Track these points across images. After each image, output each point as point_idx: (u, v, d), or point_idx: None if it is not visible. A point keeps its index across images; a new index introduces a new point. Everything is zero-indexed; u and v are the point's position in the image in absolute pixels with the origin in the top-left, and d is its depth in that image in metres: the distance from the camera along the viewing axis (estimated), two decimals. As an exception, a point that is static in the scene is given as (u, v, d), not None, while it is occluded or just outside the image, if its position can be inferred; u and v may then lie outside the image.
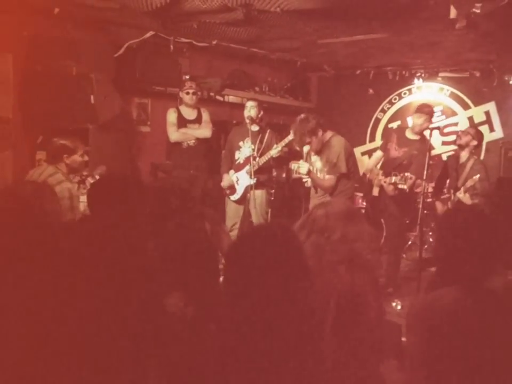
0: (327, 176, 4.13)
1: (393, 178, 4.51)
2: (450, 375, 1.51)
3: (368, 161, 5.01)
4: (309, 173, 4.14)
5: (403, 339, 3.49)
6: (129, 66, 5.19)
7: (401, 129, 5.04)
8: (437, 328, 1.52)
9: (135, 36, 5.00)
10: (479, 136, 5.11)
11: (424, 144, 4.61)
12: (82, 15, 4.49)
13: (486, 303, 1.52)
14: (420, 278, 4.32)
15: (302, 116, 4.16)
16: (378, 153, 5.10)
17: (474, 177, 4.70)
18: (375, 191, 4.89)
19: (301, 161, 4.26)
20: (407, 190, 4.51)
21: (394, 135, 4.93)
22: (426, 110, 4.73)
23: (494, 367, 1.47)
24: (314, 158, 4.29)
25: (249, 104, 5.09)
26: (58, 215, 3.23)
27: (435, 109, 7.29)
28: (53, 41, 4.42)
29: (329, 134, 4.18)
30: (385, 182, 4.68)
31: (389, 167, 4.81)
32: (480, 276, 1.58)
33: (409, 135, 4.82)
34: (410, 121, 4.74)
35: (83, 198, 3.65)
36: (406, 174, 4.43)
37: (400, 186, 4.46)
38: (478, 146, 5.18)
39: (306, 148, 4.38)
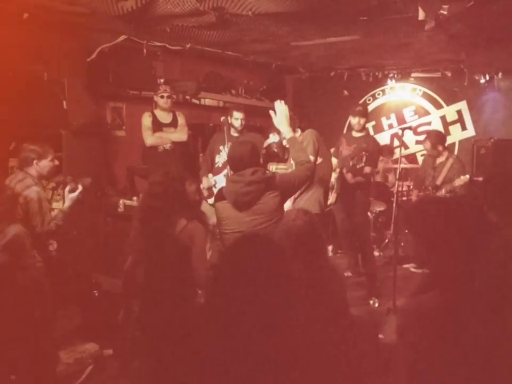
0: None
1: (350, 162, 4.84)
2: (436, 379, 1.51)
3: None
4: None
5: (380, 336, 3.55)
6: (102, 71, 5.15)
7: (348, 132, 5.33)
8: (422, 333, 1.52)
9: (108, 40, 4.96)
10: (439, 137, 5.35)
11: (370, 137, 5.24)
12: (53, 20, 4.43)
13: (471, 306, 1.50)
14: (395, 275, 4.40)
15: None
16: (334, 160, 5.22)
17: (463, 177, 4.94)
18: (337, 188, 5.06)
19: (271, 134, 4.34)
20: (368, 170, 4.82)
21: (344, 139, 5.26)
22: (357, 111, 5.09)
23: (480, 370, 1.47)
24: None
25: (237, 115, 4.98)
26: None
27: (408, 109, 7.47)
28: (23, 46, 4.36)
29: (300, 131, 4.38)
30: (343, 172, 4.98)
31: (346, 163, 5.05)
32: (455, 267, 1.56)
33: (355, 134, 5.14)
34: (351, 120, 5.13)
35: (57, 205, 3.62)
36: (362, 153, 4.69)
37: (358, 166, 4.67)
38: (445, 143, 5.43)
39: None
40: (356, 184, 4.90)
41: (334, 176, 5.07)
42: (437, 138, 5.41)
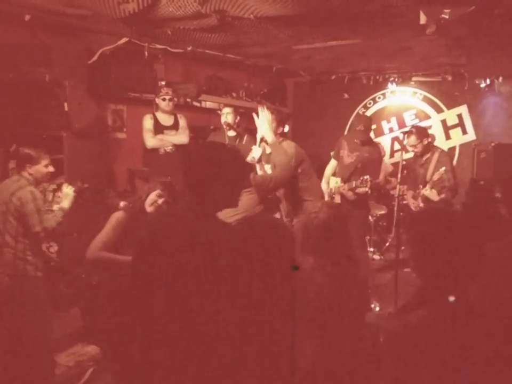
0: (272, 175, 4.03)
1: (354, 183, 4.63)
2: None
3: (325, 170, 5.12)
4: (259, 160, 4.04)
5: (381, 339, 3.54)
6: (104, 73, 5.15)
7: (350, 136, 5.16)
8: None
9: (109, 42, 4.96)
10: (423, 131, 5.20)
11: (374, 146, 5.04)
12: (54, 22, 4.44)
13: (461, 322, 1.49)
14: (396, 279, 4.39)
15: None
16: (333, 162, 5.20)
17: (440, 169, 4.78)
18: (337, 199, 4.95)
19: (254, 146, 4.19)
20: (369, 192, 4.70)
21: (345, 142, 5.10)
22: (363, 121, 4.95)
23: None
24: (266, 166, 4.22)
25: (225, 110, 5.13)
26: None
27: (409, 113, 7.48)
28: (25, 48, 4.36)
29: (281, 138, 4.15)
30: (344, 189, 4.78)
31: (345, 173, 4.95)
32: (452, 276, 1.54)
33: (357, 140, 4.96)
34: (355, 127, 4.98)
35: (56, 207, 3.60)
36: (365, 177, 4.55)
37: (361, 190, 4.57)
38: (432, 141, 5.28)
39: (259, 135, 4.18)
40: (355, 201, 4.80)
41: (335, 181, 4.99)
42: (421, 131, 5.17)
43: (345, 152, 5.04)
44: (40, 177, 3.44)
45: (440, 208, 1.85)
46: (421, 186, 5.07)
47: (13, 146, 4.42)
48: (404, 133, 5.08)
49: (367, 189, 4.58)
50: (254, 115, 3.60)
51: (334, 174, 5.15)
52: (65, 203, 3.48)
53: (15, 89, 4.29)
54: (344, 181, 4.90)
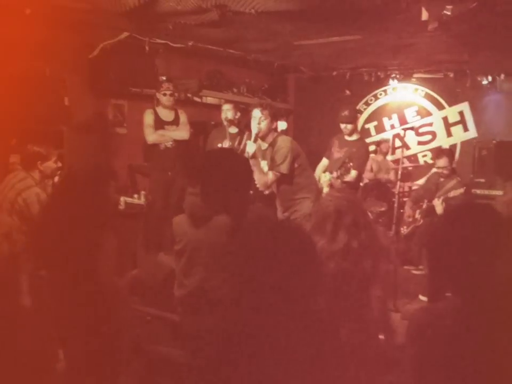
0: (269, 172, 4.04)
1: (338, 172, 4.72)
2: None
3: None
4: (254, 155, 4.06)
5: (380, 336, 3.54)
6: (104, 68, 5.14)
7: (341, 134, 5.27)
8: (434, 341, 1.48)
9: (110, 37, 4.95)
10: (453, 154, 5.31)
11: (362, 142, 5.19)
12: (55, 16, 4.43)
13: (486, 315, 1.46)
14: (396, 276, 4.40)
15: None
16: (325, 161, 5.25)
17: (459, 190, 4.94)
18: (326, 190, 5.00)
19: (249, 141, 4.19)
20: (353, 180, 4.78)
21: (336, 141, 5.20)
22: (343, 116, 5.03)
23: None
24: (263, 163, 4.21)
25: (225, 107, 5.14)
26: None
27: (410, 109, 7.45)
28: (25, 42, 4.35)
29: (276, 133, 4.15)
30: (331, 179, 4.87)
31: (334, 167, 5.01)
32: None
33: (347, 137, 5.10)
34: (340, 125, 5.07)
35: None
36: (349, 164, 4.64)
37: (346, 178, 4.65)
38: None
39: (254, 131, 4.14)
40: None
41: (326, 177, 5.03)
42: (452, 155, 5.32)
43: (335, 149, 5.14)
44: (50, 173, 3.48)
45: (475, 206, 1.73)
46: (426, 201, 5.14)
47: (13, 140, 4.43)
48: (434, 153, 5.21)
49: (351, 176, 4.66)
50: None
51: (324, 172, 5.18)
52: None
53: (15, 83, 4.28)
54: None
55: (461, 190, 4.94)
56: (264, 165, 4.17)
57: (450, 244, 1.52)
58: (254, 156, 4.03)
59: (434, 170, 5.57)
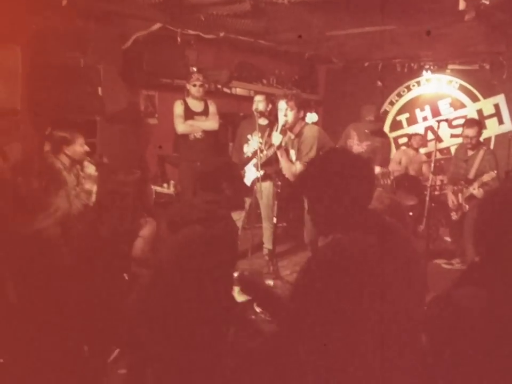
0: (297, 163, 4.07)
1: (381, 181, 4.73)
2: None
3: None
4: (279, 147, 4.05)
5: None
6: (137, 59, 5.20)
7: (359, 125, 5.13)
8: (456, 329, 1.46)
9: (143, 28, 5.00)
10: (483, 127, 5.15)
11: (384, 135, 5.18)
12: (90, 7, 4.50)
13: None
14: (426, 270, 4.32)
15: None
16: None
17: (491, 172, 4.79)
18: None
19: (275, 132, 4.18)
20: (389, 183, 4.91)
21: (354, 132, 5.07)
22: (373, 111, 5.16)
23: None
24: (291, 152, 4.21)
25: (257, 98, 5.12)
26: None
27: (443, 101, 7.29)
28: (61, 33, 4.44)
29: (303, 122, 4.16)
30: None
31: None
32: None
33: (368, 130, 5.11)
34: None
35: (87, 184, 3.66)
36: (387, 169, 4.61)
37: (384, 181, 4.63)
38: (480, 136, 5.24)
39: (281, 122, 4.22)
40: None
41: None
42: (482, 125, 5.17)
43: (354, 141, 5.05)
44: (77, 158, 3.54)
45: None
46: (462, 183, 4.99)
47: (48, 129, 4.53)
48: (465, 122, 5.03)
49: (388, 181, 4.76)
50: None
51: None
52: (88, 184, 3.56)
53: (50, 73, 4.38)
54: None
55: (493, 174, 4.79)
56: (293, 154, 4.17)
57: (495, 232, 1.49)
58: (279, 147, 4.04)
59: (459, 140, 5.40)
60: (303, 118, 4.14)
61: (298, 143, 4.09)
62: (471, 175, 5.00)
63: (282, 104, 4.04)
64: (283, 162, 4.14)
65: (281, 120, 4.04)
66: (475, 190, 4.86)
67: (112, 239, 3.81)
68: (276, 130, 4.43)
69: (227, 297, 2.27)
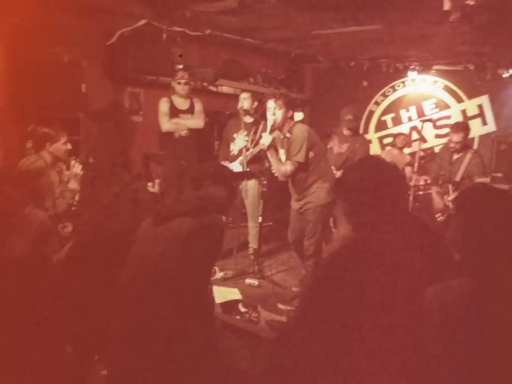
0: (287, 162, 4.07)
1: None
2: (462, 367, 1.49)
3: None
4: (269, 147, 4.07)
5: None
6: (122, 55, 5.14)
7: (339, 129, 5.31)
8: (450, 319, 1.50)
9: (128, 24, 4.94)
10: (468, 130, 5.20)
11: (363, 137, 5.43)
12: (73, 3, 4.43)
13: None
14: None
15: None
16: None
17: (484, 179, 4.84)
18: None
19: (264, 133, 4.19)
20: None
21: (334, 135, 5.30)
22: (349, 122, 5.18)
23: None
24: (281, 151, 4.21)
25: (243, 96, 5.11)
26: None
27: (428, 102, 7.34)
28: (44, 29, 4.37)
29: (292, 122, 4.16)
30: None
31: (337, 162, 5.12)
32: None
33: (346, 132, 5.22)
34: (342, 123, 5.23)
35: (72, 183, 3.59)
36: None
37: None
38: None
39: (270, 122, 4.19)
40: None
41: None
42: (467, 131, 5.15)
43: (335, 143, 5.24)
44: (59, 155, 3.48)
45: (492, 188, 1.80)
46: (450, 186, 5.00)
47: (31, 126, 4.46)
48: (452, 126, 5.10)
49: None
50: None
51: None
52: (74, 184, 3.49)
53: (33, 69, 4.31)
54: (338, 168, 4.98)
55: (487, 180, 4.83)
56: (282, 153, 4.17)
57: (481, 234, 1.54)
58: (269, 147, 4.04)
59: (445, 141, 5.43)
60: (292, 117, 4.15)
61: (287, 142, 4.09)
62: (458, 177, 4.98)
63: (270, 103, 4.04)
64: (273, 162, 4.13)
65: (270, 120, 4.04)
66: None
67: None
68: (265, 131, 4.45)
69: (204, 293, 2.25)
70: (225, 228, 2.45)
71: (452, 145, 5.11)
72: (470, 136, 6.95)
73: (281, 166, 4.11)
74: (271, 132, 4.08)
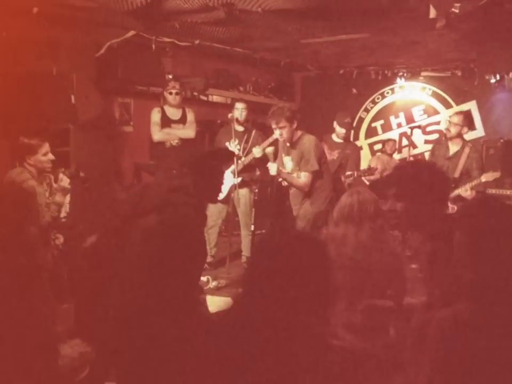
0: (302, 174, 4.12)
1: (355, 173, 5.12)
2: None
3: None
4: (279, 173, 4.14)
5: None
6: (111, 66, 5.15)
7: (329, 135, 5.40)
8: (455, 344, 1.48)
9: (117, 35, 4.95)
10: (469, 121, 5.06)
11: (352, 143, 5.64)
12: (62, 15, 4.44)
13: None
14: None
15: (280, 105, 4.48)
16: None
17: (494, 173, 4.53)
18: None
19: (269, 163, 4.25)
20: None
21: (323, 143, 5.23)
22: (346, 123, 5.26)
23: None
24: (286, 159, 4.29)
25: (239, 106, 5.10)
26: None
27: (417, 108, 7.41)
28: (33, 40, 4.37)
29: (300, 132, 4.22)
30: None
31: (331, 167, 5.05)
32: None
33: (335, 139, 5.33)
34: (337, 128, 5.29)
35: (58, 196, 3.56)
36: (371, 167, 5.21)
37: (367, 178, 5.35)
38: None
39: (269, 149, 4.56)
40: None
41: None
42: (469, 118, 5.06)
43: (325, 150, 5.21)
44: (41, 166, 3.42)
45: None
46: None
47: (21, 138, 4.45)
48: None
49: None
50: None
51: None
52: (60, 197, 3.44)
53: (22, 82, 4.30)
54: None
55: (497, 175, 4.53)
56: (287, 160, 4.22)
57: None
58: (279, 173, 4.11)
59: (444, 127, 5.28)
60: (297, 128, 4.18)
61: (297, 152, 4.16)
62: (457, 174, 4.74)
63: (277, 132, 4.15)
64: (290, 182, 4.25)
65: (277, 134, 4.18)
66: (467, 191, 4.56)
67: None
68: (256, 140, 4.84)
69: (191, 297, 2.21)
70: (198, 223, 2.40)
71: (451, 128, 4.82)
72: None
73: (298, 180, 4.16)
74: (275, 160, 4.33)
